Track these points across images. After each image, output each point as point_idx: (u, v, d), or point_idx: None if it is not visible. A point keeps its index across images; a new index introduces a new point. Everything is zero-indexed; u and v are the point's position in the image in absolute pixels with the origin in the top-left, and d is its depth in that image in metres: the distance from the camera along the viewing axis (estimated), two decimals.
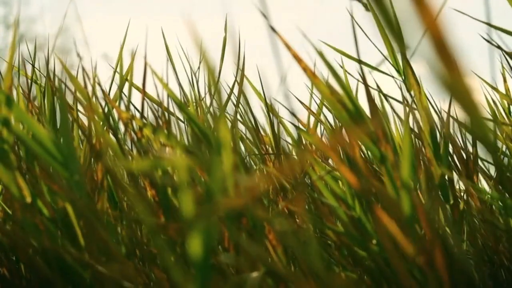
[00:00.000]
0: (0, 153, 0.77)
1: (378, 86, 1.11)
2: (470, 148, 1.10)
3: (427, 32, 0.39)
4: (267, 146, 1.22)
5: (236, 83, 1.13)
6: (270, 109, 1.23)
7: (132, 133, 0.85)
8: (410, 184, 0.67)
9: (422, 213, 0.69)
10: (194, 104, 1.17)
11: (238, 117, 1.23)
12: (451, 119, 1.03)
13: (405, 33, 0.40)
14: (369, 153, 1.13)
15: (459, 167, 1.07)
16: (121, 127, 0.93)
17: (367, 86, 0.68)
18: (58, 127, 1.02)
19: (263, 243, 0.81)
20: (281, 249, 0.81)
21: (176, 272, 0.57)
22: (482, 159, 1.16)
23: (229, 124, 1.25)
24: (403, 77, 1.06)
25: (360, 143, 0.71)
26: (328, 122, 1.16)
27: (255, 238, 0.78)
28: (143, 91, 0.88)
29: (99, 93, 0.89)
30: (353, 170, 0.69)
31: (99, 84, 0.85)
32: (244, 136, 1.27)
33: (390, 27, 0.41)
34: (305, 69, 0.66)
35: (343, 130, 0.80)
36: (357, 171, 0.68)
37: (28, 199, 0.76)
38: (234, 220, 0.77)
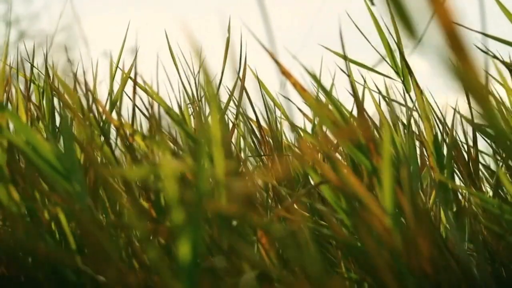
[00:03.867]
0: None
1: (378, 89, 1.09)
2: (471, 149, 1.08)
3: (438, 22, 0.37)
4: (267, 139, 1.21)
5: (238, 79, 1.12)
6: (273, 102, 1.22)
7: (124, 138, 0.85)
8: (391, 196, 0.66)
9: (425, 219, 0.68)
10: (189, 107, 1.16)
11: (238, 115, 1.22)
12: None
13: (415, 23, 0.39)
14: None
15: (461, 170, 1.06)
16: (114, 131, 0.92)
17: (357, 96, 0.66)
18: (56, 129, 1.01)
19: (255, 246, 0.80)
20: (274, 253, 0.81)
21: (165, 276, 0.58)
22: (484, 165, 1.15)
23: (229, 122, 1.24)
24: (402, 78, 1.05)
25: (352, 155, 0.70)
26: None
27: (247, 241, 0.78)
28: (133, 96, 0.87)
29: (91, 99, 0.88)
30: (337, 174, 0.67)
31: (90, 91, 0.85)
32: (245, 133, 1.26)
33: (401, 15, 0.39)
34: (295, 84, 0.64)
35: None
36: (338, 170, 0.67)
37: (23, 212, 0.76)
38: (225, 224, 0.77)
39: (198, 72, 1.20)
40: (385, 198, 0.67)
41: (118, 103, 0.95)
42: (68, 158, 0.77)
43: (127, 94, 0.97)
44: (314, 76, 0.65)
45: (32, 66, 1.01)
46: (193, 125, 1.08)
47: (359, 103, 0.65)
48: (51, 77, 0.93)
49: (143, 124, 1.27)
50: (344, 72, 1.09)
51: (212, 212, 0.76)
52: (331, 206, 0.84)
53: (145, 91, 1.03)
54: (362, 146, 0.66)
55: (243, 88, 1.11)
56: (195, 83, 1.20)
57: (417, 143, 1.07)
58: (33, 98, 1.08)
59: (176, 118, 0.83)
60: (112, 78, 0.98)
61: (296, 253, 0.68)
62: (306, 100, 0.65)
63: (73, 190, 0.78)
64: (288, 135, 1.36)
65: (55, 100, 1.03)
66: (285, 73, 0.64)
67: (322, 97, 0.99)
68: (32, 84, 1.07)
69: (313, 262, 0.64)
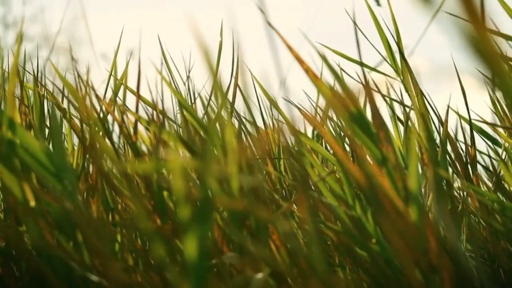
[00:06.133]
0: (5, 157, 0.76)
1: (377, 87, 1.10)
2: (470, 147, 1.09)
3: None
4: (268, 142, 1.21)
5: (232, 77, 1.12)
6: (272, 103, 1.22)
7: (127, 134, 0.84)
8: (416, 190, 0.67)
9: (425, 215, 0.68)
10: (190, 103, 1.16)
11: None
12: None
13: None
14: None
15: (458, 168, 1.07)
16: (116, 130, 0.92)
17: (368, 89, 0.67)
18: (48, 131, 1.01)
19: (267, 243, 0.80)
20: (284, 249, 0.80)
21: (171, 274, 0.57)
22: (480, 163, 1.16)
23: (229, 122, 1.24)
24: (401, 77, 1.06)
25: (362, 144, 0.71)
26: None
27: (259, 239, 0.77)
28: (137, 94, 0.87)
29: (93, 96, 0.88)
30: (361, 168, 0.68)
31: (93, 88, 0.84)
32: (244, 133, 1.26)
33: None
34: (307, 70, 0.65)
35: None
36: (365, 168, 0.67)
37: (32, 203, 0.75)
38: (238, 221, 0.76)
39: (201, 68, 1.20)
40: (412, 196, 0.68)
41: (121, 100, 0.95)
42: (59, 157, 0.77)
43: (130, 91, 0.97)
44: (325, 59, 0.65)
45: (24, 68, 1.01)
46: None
47: (369, 93, 0.65)
48: (54, 76, 0.93)
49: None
50: (343, 70, 1.10)
51: (222, 207, 0.76)
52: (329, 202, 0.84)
53: (142, 101, 1.02)
54: (372, 135, 0.67)
55: (236, 88, 1.11)
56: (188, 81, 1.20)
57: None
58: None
59: (188, 108, 0.83)
60: (115, 67, 0.97)
61: (304, 248, 0.68)
62: (319, 88, 0.65)
63: (63, 189, 0.77)
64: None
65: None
66: (297, 58, 0.65)
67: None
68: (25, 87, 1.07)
69: (320, 259, 0.64)
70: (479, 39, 0.38)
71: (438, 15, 0.39)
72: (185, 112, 0.83)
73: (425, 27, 0.96)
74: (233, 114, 1.12)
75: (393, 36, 1.04)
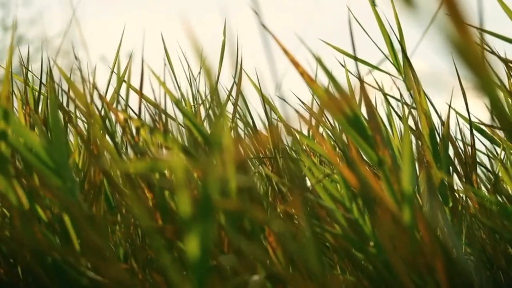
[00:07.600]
0: None
1: (378, 85, 1.10)
2: (469, 149, 1.09)
3: None
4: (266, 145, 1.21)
5: (234, 83, 1.12)
6: (269, 105, 1.22)
7: (129, 136, 0.85)
8: (410, 192, 0.67)
9: (421, 218, 0.68)
10: (192, 105, 1.17)
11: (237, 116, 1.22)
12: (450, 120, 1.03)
13: None
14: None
15: (458, 169, 1.07)
16: (119, 130, 0.92)
17: (364, 90, 0.67)
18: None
19: (262, 245, 0.80)
20: (281, 251, 0.81)
21: (173, 274, 0.57)
22: (480, 164, 1.16)
23: (228, 123, 1.24)
24: (403, 76, 1.06)
25: (358, 147, 0.71)
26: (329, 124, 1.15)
27: (254, 241, 0.78)
28: (140, 93, 0.87)
29: (96, 96, 0.88)
30: (353, 171, 0.68)
31: (96, 88, 0.85)
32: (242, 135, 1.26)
33: None
34: (303, 73, 0.65)
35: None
36: (357, 172, 0.68)
37: (26, 207, 0.76)
38: (234, 222, 0.77)
39: (199, 73, 1.21)
40: (404, 200, 0.68)
41: (124, 100, 0.95)
42: (58, 153, 0.78)
43: (133, 89, 0.97)
44: (320, 61, 0.65)
45: (27, 69, 1.01)
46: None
47: (366, 96, 0.65)
48: (58, 76, 0.93)
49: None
50: (343, 66, 1.10)
51: (221, 208, 0.76)
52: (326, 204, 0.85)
53: (144, 97, 1.03)
54: (368, 138, 0.67)
55: (239, 91, 1.11)
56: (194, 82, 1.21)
57: (413, 139, 1.08)
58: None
59: (185, 111, 0.83)
60: (118, 65, 0.98)
61: (300, 250, 0.69)
62: (314, 91, 0.66)
63: (63, 185, 0.78)
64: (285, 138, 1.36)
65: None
66: (293, 61, 0.65)
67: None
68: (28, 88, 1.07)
69: (316, 261, 0.65)
70: (462, 43, 0.38)
71: (424, 21, 0.39)
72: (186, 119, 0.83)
73: (421, 29, 0.96)
74: (234, 118, 1.12)
75: (395, 35, 1.04)
